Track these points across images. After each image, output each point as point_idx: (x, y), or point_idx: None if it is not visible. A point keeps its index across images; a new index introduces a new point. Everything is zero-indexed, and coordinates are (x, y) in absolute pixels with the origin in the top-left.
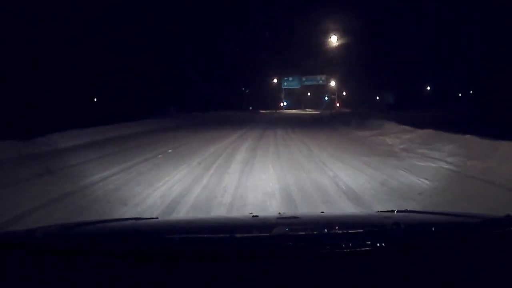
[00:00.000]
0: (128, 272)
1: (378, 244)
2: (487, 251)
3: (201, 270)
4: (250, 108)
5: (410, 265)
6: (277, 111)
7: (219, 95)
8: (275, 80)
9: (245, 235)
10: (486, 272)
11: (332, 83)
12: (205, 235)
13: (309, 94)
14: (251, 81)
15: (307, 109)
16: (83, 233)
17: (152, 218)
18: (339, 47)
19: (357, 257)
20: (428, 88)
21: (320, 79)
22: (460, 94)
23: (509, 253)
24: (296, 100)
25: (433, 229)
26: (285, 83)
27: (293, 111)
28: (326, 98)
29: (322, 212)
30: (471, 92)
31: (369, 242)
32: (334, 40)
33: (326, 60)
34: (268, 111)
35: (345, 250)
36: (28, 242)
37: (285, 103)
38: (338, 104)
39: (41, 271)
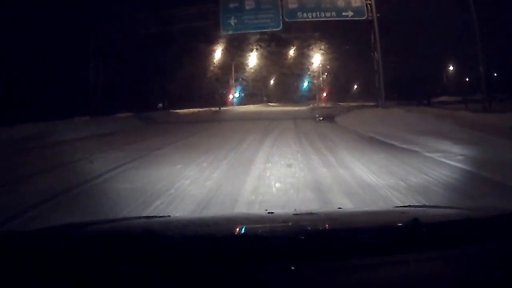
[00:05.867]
0: (139, 273)
1: (397, 240)
2: (507, 249)
3: (215, 270)
4: (160, 105)
5: (430, 262)
6: (221, 108)
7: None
8: (218, 54)
9: (260, 233)
10: (507, 271)
11: (317, 59)
12: (219, 234)
13: (272, 81)
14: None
15: (270, 104)
16: (92, 233)
17: (164, 216)
18: None
19: (377, 255)
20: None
21: (349, 7)
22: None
23: None
24: (249, 87)
25: (452, 224)
26: (230, 23)
27: (251, 107)
28: (306, 85)
29: (339, 208)
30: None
31: (388, 239)
32: None
33: None
34: (203, 109)
35: (364, 247)
36: (31, 243)
37: (236, 95)
38: (325, 94)
39: (46, 272)
